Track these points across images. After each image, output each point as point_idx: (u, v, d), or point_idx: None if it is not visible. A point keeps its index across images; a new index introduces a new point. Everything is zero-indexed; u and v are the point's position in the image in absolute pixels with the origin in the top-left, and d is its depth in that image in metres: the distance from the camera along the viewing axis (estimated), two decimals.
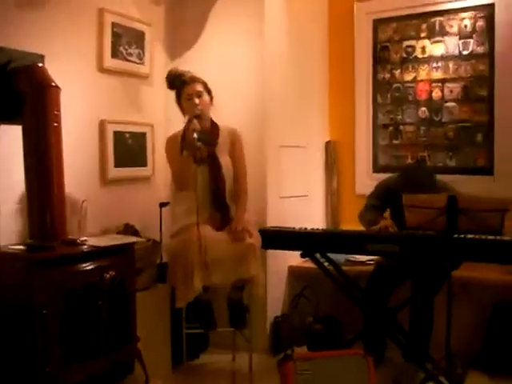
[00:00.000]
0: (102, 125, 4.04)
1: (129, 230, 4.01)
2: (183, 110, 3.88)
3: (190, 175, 3.68)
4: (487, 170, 4.59)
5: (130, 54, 4.24)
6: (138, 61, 4.32)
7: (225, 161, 3.88)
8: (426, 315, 3.93)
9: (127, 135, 4.24)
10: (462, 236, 3.54)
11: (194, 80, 3.85)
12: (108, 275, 3.31)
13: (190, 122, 3.72)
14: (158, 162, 4.48)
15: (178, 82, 3.85)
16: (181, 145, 3.70)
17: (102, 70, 4.04)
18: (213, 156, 3.83)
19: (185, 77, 3.84)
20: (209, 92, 3.90)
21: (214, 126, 3.93)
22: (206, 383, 3.91)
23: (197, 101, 3.79)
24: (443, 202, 3.44)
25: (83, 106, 3.91)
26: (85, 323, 3.23)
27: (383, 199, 4.16)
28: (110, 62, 4.07)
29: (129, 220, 4.11)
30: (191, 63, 4.54)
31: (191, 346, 4.20)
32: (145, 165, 4.44)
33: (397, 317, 4.07)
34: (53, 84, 3.32)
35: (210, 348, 4.47)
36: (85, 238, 3.37)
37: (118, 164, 4.15)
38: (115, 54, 4.11)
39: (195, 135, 3.58)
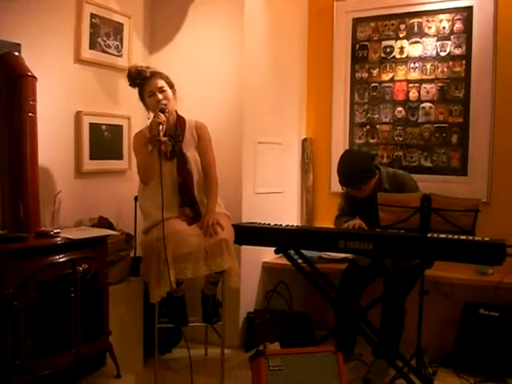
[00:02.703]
0: (77, 116, 4.00)
1: (103, 222, 3.97)
2: (147, 107, 3.84)
3: (155, 170, 3.65)
4: (461, 171, 4.63)
5: (109, 46, 4.20)
6: (116, 53, 4.28)
7: (192, 155, 3.84)
8: (398, 313, 3.93)
9: (103, 127, 4.21)
10: (435, 235, 3.57)
11: (156, 75, 3.79)
12: (81, 268, 3.26)
13: (155, 116, 3.68)
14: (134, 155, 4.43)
15: (139, 79, 3.78)
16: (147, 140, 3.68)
17: (80, 60, 4.00)
18: (179, 150, 3.81)
19: (145, 73, 3.76)
20: (171, 86, 3.84)
21: (181, 120, 3.89)
22: (178, 378, 3.89)
23: (160, 96, 3.74)
24: (417, 202, 3.47)
25: (59, 96, 3.87)
26: (56, 316, 3.19)
27: (348, 202, 4.19)
28: (87, 53, 4.03)
29: (103, 213, 4.07)
30: (169, 57, 4.54)
31: (163, 340, 4.20)
32: (121, 158, 4.40)
33: (368, 314, 4.09)
34: (29, 73, 3.28)
35: (182, 342, 4.44)
36: (58, 230, 3.33)
37: (93, 156, 4.11)
38: (93, 45, 4.07)
39: (160, 128, 3.54)
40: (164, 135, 3.58)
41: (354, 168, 3.92)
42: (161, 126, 3.54)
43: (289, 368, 3.55)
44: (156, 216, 3.69)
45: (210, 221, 3.69)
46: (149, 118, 3.79)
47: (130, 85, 3.83)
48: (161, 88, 3.75)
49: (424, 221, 3.47)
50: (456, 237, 3.54)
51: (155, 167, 3.63)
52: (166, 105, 3.70)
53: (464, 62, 4.58)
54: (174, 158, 3.78)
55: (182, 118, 3.90)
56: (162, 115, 3.62)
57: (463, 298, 4.28)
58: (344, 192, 4.19)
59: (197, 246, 3.61)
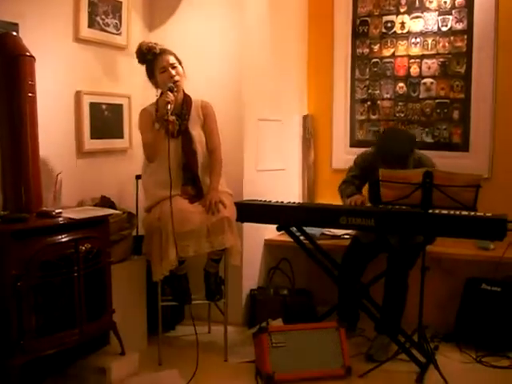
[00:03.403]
0: (77, 96, 3.97)
1: (105, 202, 3.96)
2: (156, 84, 3.84)
3: (161, 148, 3.67)
4: (463, 147, 4.62)
5: (107, 24, 4.16)
6: (115, 31, 4.24)
7: (197, 134, 3.85)
8: (401, 289, 3.96)
9: (104, 107, 4.18)
10: (437, 211, 3.58)
11: (166, 52, 3.80)
12: (83, 247, 3.27)
13: (163, 94, 3.70)
14: (135, 134, 4.38)
15: (150, 55, 3.78)
16: (154, 117, 3.70)
17: (78, 40, 3.96)
18: (185, 129, 3.81)
19: (155, 49, 3.78)
20: (180, 62, 3.84)
21: (187, 99, 3.89)
22: (182, 355, 3.91)
23: (172, 72, 3.75)
24: (419, 178, 3.47)
25: (59, 76, 3.84)
26: (59, 295, 3.20)
27: (361, 173, 4.16)
28: (86, 31, 3.99)
29: (105, 192, 4.06)
30: (168, 35, 4.51)
31: (167, 318, 4.22)
32: (121, 137, 4.38)
33: (370, 290, 4.11)
34: (27, 53, 3.25)
35: (186, 320, 4.49)
36: (60, 210, 3.31)
37: (94, 136, 4.09)
38: (92, 23, 4.03)
39: (169, 107, 3.57)
40: (171, 114, 3.60)
41: (401, 146, 3.88)
42: (169, 106, 3.57)
43: (292, 344, 3.61)
44: (158, 194, 3.71)
45: (213, 199, 3.70)
46: (157, 96, 3.80)
47: (139, 61, 3.84)
48: (172, 64, 3.77)
49: (426, 197, 3.47)
50: (458, 212, 3.56)
51: (161, 145, 3.65)
52: (175, 83, 3.72)
53: (465, 36, 4.55)
54: (179, 137, 3.78)
55: (188, 96, 3.90)
56: (171, 94, 3.64)
57: (465, 273, 4.28)
58: (361, 162, 4.16)
59: (199, 224, 3.63)
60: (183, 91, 3.88)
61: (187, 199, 3.74)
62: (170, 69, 3.75)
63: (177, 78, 3.75)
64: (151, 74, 3.85)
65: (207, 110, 3.92)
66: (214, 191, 3.77)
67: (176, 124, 3.70)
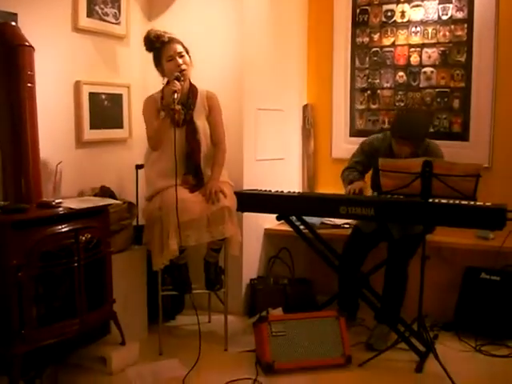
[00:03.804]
0: (77, 86, 3.97)
1: (105, 192, 3.97)
2: (163, 72, 3.84)
3: (165, 137, 3.69)
4: (463, 136, 4.60)
5: (106, 14, 4.15)
6: (114, 21, 4.23)
7: (202, 124, 3.85)
8: (401, 278, 3.97)
9: (103, 96, 4.18)
10: (437, 201, 3.59)
11: (173, 40, 3.81)
12: (83, 237, 3.27)
13: (169, 83, 3.71)
14: (135, 123, 4.43)
15: (158, 43, 3.79)
16: (159, 105, 3.72)
17: (77, 29, 3.95)
18: (190, 119, 3.81)
19: (164, 38, 3.78)
20: (187, 51, 3.85)
21: (193, 89, 3.89)
22: (183, 344, 3.93)
23: (180, 61, 3.75)
24: (419, 167, 3.46)
25: (58, 66, 3.83)
26: (60, 285, 3.22)
27: (366, 159, 4.15)
28: (85, 21, 3.98)
29: (105, 182, 4.07)
30: (168, 24, 4.46)
31: (167, 307, 4.23)
32: (121, 127, 4.38)
33: (370, 280, 4.16)
34: (26, 43, 3.24)
35: (186, 310, 4.50)
36: (60, 201, 3.31)
37: (93, 126, 4.09)
38: (90, 13, 4.02)
39: (175, 96, 3.57)
40: (178, 102, 3.61)
41: (419, 122, 3.91)
42: (176, 95, 3.58)
43: (292, 333, 3.62)
44: (159, 184, 3.73)
45: (213, 188, 3.71)
46: (163, 84, 3.82)
47: (147, 49, 3.84)
48: (180, 53, 3.78)
49: (425, 186, 3.46)
50: (457, 202, 3.55)
51: (165, 134, 3.67)
52: (182, 71, 3.73)
53: (466, 25, 4.53)
54: (184, 126, 3.79)
55: (194, 86, 3.91)
56: (178, 83, 3.65)
57: (464, 262, 4.29)
58: (366, 146, 4.16)
59: (199, 214, 3.64)
60: (189, 81, 3.88)
61: (187, 189, 3.74)
62: (177, 58, 3.76)
63: (184, 67, 3.75)
64: (158, 62, 3.85)
65: (212, 101, 3.93)
66: (215, 181, 3.78)
67: (182, 113, 3.71)
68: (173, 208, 3.54)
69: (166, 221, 3.59)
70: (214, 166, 3.86)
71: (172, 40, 3.80)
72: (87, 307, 3.31)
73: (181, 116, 3.69)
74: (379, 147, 4.06)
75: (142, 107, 3.89)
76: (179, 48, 3.79)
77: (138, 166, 4.21)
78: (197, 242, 3.69)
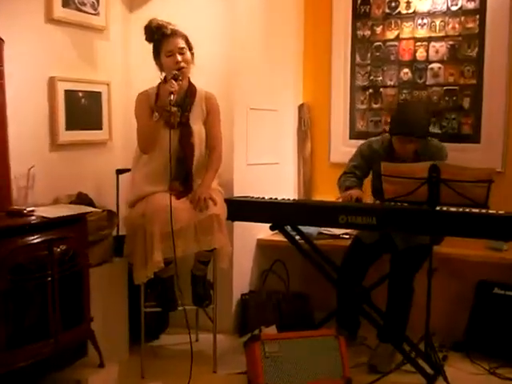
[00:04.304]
0: (51, 83, 3.95)
1: (82, 199, 3.96)
2: (161, 67, 3.85)
3: (157, 139, 3.70)
4: (474, 138, 4.60)
5: (83, 4, 4.13)
6: (92, 11, 4.22)
7: (197, 128, 3.86)
8: (405, 293, 3.95)
9: (80, 94, 4.17)
10: (445, 209, 3.58)
11: (177, 34, 3.80)
12: (58, 249, 3.28)
13: (166, 81, 3.71)
14: (116, 124, 4.44)
15: (158, 35, 3.78)
16: (154, 103, 3.73)
17: (52, 20, 3.93)
18: (185, 121, 3.82)
19: (166, 29, 3.77)
20: (190, 48, 3.86)
21: (192, 89, 3.90)
22: (167, 366, 3.92)
23: (179, 58, 3.75)
24: (425, 172, 3.46)
25: (30, 61, 3.81)
26: (32, 302, 3.20)
27: (364, 163, 4.17)
28: (60, 11, 3.96)
29: (82, 188, 4.06)
30: (151, 16, 4.42)
31: (150, 325, 4.19)
32: (100, 128, 4.37)
33: (372, 295, 4.15)
34: None
35: (171, 328, 4.49)
36: (32, 209, 3.31)
37: (69, 127, 4.07)
38: (66, 2, 4.00)
39: (171, 97, 3.57)
40: (174, 104, 3.62)
41: (420, 117, 3.92)
42: (172, 96, 3.58)
43: (287, 354, 3.60)
44: (145, 189, 3.75)
45: (203, 194, 3.71)
46: (161, 79, 3.81)
47: (146, 39, 3.84)
48: (181, 49, 3.78)
49: (432, 193, 3.46)
50: (468, 210, 3.54)
51: (158, 136, 3.68)
52: (181, 69, 3.73)
53: (477, 17, 4.53)
54: (178, 129, 3.79)
55: (193, 86, 3.92)
56: (175, 83, 3.65)
57: (476, 276, 4.28)
58: (365, 149, 4.18)
59: (187, 222, 3.64)
60: (188, 79, 3.89)
61: (173, 195, 3.72)
62: (177, 54, 3.76)
63: (183, 64, 3.75)
64: (157, 55, 3.85)
65: (211, 103, 3.95)
66: (205, 187, 3.78)
67: (177, 116, 3.72)
68: (158, 215, 3.55)
69: (149, 229, 3.59)
70: (207, 172, 3.86)
71: (175, 33, 3.79)
72: (62, 326, 3.30)
73: (176, 118, 3.71)
74: (378, 149, 4.09)
75: (135, 104, 3.88)
76: (181, 43, 3.79)
77: (119, 171, 4.20)
78: (184, 253, 3.67)
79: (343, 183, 4.15)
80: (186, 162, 3.80)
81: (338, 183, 4.21)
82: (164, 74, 3.81)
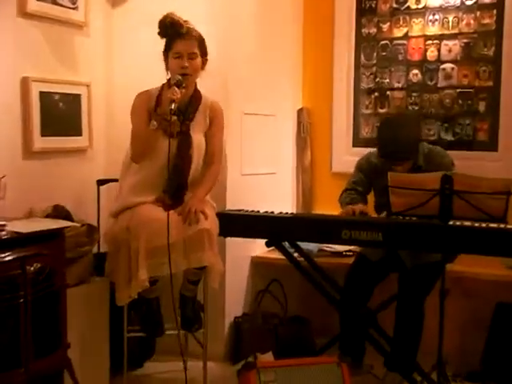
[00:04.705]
0: (24, 83, 3.93)
1: (59, 212, 3.95)
2: (167, 67, 3.85)
3: (151, 149, 3.72)
4: (490, 145, 4.61)
5: None
6: (70, 5, 4.21)
7: (197, 139, 3.88)
8: (415, 316, 3.95)
9: (57, 97, 4.16)
10: (459, 223, 3.57)
11: (191, 36, 3.79)
12: (32, 267, 3.23)
13: (169, 86, 3.71)
14: (97, 130, 4.45)
15: (171, 31, 3.78)
16: (153, 108, 3.76)
17: (25, 14, 3.92)
18: (186, 131, 3.83)
19: (181, 28, 3.76)
20: (203, 53, 3.85)
21: (197, 96, 3.92)
22: None
23: (186, 63, 3.75)
24: (436, 183, 3.45)
25: (0, 59, 3.80)
26: (2, 326, 3.14)
27: (365, 178, 4.20)
28: (34, 5, 3.94)
29: (59, 200, 4.03)
30: (135, 12, 4.53)
31: (134, 352, 4.19)
32: (79, 134, 4.37)
33: (378, 318, 4.13)
34: None
35: (157, 355, 4.48)
36: (3, 223, 3.27)
37: (45, 132, 4.07)
38: None
39: (172, 106, 3.57)
40: (174, 113, 3.61)
41: (403, 137, 3.92)
42: (173, 105, 3.58)
43: (284, 383, 3.55)
44: (131, 199, 3.76)
45: (193, 207, 3.69)
46: (167, 80, 3.82)
47: (159, 33, 3.83)
48: (192, 54, 3.78)
49: (445, 206, 3.44)
50: (484, 225, 3.54)
51: (153, 146, 3.71)
52: (185, 76, 3.72)
53: (495, 12, 4.55)
54: (177, 137, 3.79)
55: (198, 92, 3.94)
56: (178, 90, 3.65)
57: (493, 298, 4.27)
58: (363, 164, 4.21)
59: (175, 237, 3.61)
60: (195, 85, 3.89)
61: (163, 207, 3.73)
62: (185, 57, 3.76)
63: (188, 71, 3.75)
64: (166, 53, 3.84)
65: (216, 113, 3.98)
66: (197, 200, 3.77)
67: (177, 125, 3.73)
68: (144, 229, 3.55)
69: (134, 245, 3.58)
70: (202, 185, 3.88)
71: (189, 34, 3.78)
72: (35, 353, 3.25)
73: (176, 128, 3.72)
74: (377, 163, 4.11)
75: (132, 103, 3.88)
76: (193, 47, 3.78)
77: (101, 182, 4.23)
78: (173, 271, 3.62)
79: (344, 200, 4.18)
80: (180, 174, 3.80)
81: (340, 200, 4.23)
82: (169, 76, 3.81)
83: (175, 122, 3.67)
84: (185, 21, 3.80)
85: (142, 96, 3.86)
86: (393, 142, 3.92)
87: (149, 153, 3.73)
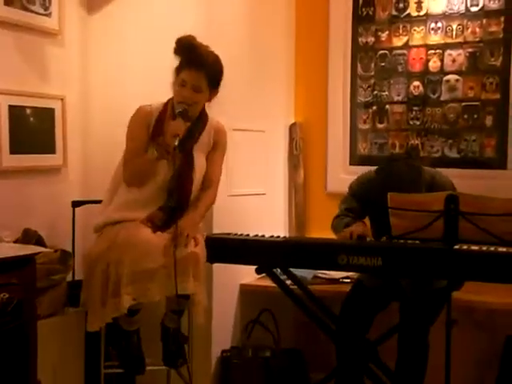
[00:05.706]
0: None
1: (30, 237, 3.92)
2: (174, 84, 3.85)
3: (150, 177, 3.75)
4: (498, 163, 4.62)
5: (32, 2, 4.12)
6: (42, 11, 4.20)
7: (200, 162, 3.90)
8: (419, 349, 3.93)
9: (28, 111, 4.15)
10: (465, 247, 3.54)
11: (203, 67, 3.77)
12: None
13: (175, 118, 3.72)
14: (72, 147, 4.44)
15: (186, 53, 3.79)
16: (152, 130, 3.79)
17: None
18: (189, 152, 3.83)
19: (195, 56, 3.76)
20: (213, 86, 3.84)
21: (203, 118, 3.93)
22: None
23: (187, 93, 3.75)
24: (440, 203, 3.45)
25: None
26: None
27: (359, 204, 4.16)
28: (2, 10, 3.93)
29: (30, 224, 4.01)
30: (114, 19, 4.55)
31: None
32: (53, 151, 4.36)
33: (379, 350, 4.08)
34: None
35: None
36: None
37: (15, 150, 4.05)
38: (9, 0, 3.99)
39: (176, 143, 3.60)
40: (177, 146, 3.63)
41: (405, 189, 3.81)
42: (177, 140, 3.61)
43: None
44: (121, 213, 3.75)
45: (187, 229, 3.67)
46: (171, 100, 3.85)
47: (174, 51, 3.83)
48: (198, 87, 3.77)
49: (450, 228, 3.44)
50: (492, 249, 3.50)
51: (150, 173, 3.75)
52: (190, 106, 3.74)
53: (502, 19, 4.57)
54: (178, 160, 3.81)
55: (205, 114, 3.95)
56: (182, 123, 3.68)
57: (505, 329, 4.28)
58: (357, 190, 4.16)
59: (164, 260, 3.58)
60: (203, 106, 3.90)
61: (149, 227, 3.71)
62: (189, 88, 3.75)
63: (187, 101, 3.75)
64: (176, 73, 3.83)
65: (220, 136, 4.01)
66: (192, 224, 3.76)
67: (179, 158, 3.73)
68: (129, 251, 3.51)
69: (115, 267, 3.54)
70: (198, 208, 3.87)
71: (199, 65, 3.76)
72: None
73: (177, 161, 3.71)
74: (371, 188, 4.04)
75: (130, 119, 3.87)
76: (200, 80, 3.76)
77: (76, 203, 4.22)
78: (161, 297, 3.63)
79: (338, 224, 4.12)
80: (181, 195, 3.79)
81: (332, 226, 4.18)
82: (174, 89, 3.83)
83: (176, 153, 3.68)
84: (207, 46, 3.82)
85: (142, 111, 3.85)
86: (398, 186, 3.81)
87: (146, 180, 3.75)
